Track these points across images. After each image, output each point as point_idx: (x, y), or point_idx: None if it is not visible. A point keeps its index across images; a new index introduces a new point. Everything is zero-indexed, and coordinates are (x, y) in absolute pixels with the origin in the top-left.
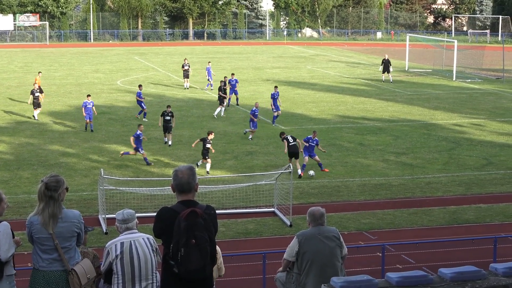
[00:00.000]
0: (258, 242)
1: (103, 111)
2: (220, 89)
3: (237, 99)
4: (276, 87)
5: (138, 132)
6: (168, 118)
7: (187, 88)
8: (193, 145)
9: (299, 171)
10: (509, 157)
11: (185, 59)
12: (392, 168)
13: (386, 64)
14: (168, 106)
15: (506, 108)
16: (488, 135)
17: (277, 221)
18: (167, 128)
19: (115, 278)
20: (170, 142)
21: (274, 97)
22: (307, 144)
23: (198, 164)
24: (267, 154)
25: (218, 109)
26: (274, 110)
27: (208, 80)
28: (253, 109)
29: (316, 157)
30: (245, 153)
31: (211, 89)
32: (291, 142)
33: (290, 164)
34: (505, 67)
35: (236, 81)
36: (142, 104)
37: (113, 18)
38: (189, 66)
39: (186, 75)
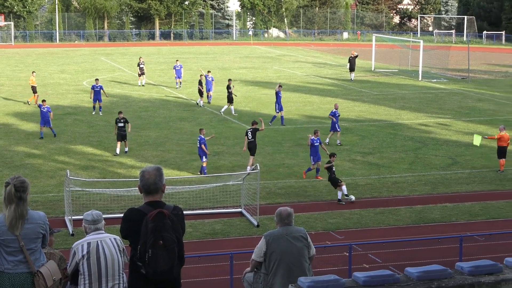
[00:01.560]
0: (225, 243)
1: (69, 112)
2: (228, 87)
3: (210, 96)
4: (280, 86)
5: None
6: (121, 125)
7: (143, 86)
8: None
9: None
10: (474, 156)
11: (140, 57)
12: (358, 168)
13: (352, 62)
14: (120, 112)
15: (471, 107)
16: (453, 135)
17: (244, 222)
18: (122, 135)
19: (81, 279)
20: (126, 149)
21: (279, 96)
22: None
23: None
24: (234, 154)
25: (225, 107)
26: (278, 111)
27: (176, 79)
28: (333, 110)
29: (320, 162)
30: (212, 154)
31: (178, 88)
32: (250, 139)
33: (257, 164)
34: (470, 67)
35: (212, 79)
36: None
37: (79, 19)
38: (144, 64)
39: (141, 73)
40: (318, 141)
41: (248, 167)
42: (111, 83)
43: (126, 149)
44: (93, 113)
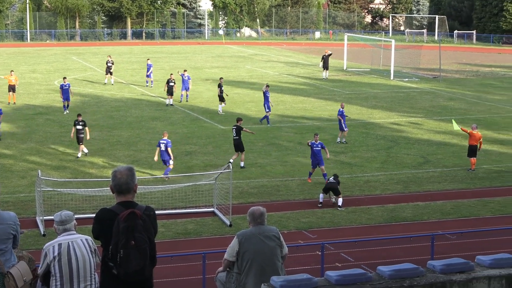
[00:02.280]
0: (198, 242)
1: (40, 111)
2: (219, 86)
3: (187, 95)
4: (268, 86)
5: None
6: (79, 127)
7: (112, 84)
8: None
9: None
10: (446, 155)
11: (109, 56)
12: (331, 167)
13: (325, 60)
14: (79, 115)
15: (443, 106)
16: (425, 134)
17: (216, 221)
18: (79, 138)
19: (53, 280)
20: (86, 150)
21: (267, 96)
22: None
23: None
24: (207, 154)
25: (221, 106)
26: (267, 110)
27: (149, 77)
28: (340, 110)
29: (323, 167)
30: (184, 153)
31: (151, 87)
32: (234, 136)
33: (230, 164)
34: (441, 66)
35: (189, 78)
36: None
37: (50, 18)
38: (112, 63)
39: (108, 71)
40: (319, 145)
41: (241, 163)
42: (83, 83)
43: (86, 150)
44: (65, 112)
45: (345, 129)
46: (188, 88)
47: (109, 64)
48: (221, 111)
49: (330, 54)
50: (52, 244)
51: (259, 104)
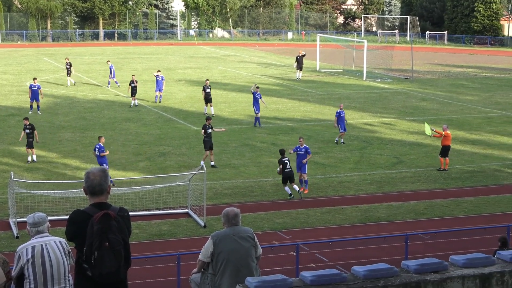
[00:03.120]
0: (172, 244)
1: (12, 113)
2: (204, 88)
3: (160, 96)
4: (257, 87)
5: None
6: (28, 131)
7: (74, 85)
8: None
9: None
10: (419, 155)
11: (66, 58)
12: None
13: (299, 61)
14: (26, 119)
15: (415, 107)
16: (398, 134)
17: (191, 222)
18: (29, 143)
19: (26, 283)
20: (34, 158)
21: (256, 97)
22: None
23: None
24: (180, 155)
25: (206, 108)
26: (256, 112)
27: (110, 78)
28: (337, 111)
29: (305, 174)
30: (158, 154)
31: (117, 86)
32: (205, 136)
33: (203, 165)
34: (413, 67)
35: (163, 78)
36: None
37: (22, 19)
38: (70, 65)
39: (68, 73)
40: (303, 149)
41: (212, 162)
42: (55, 84)
43: (34, 158)
44: (30, 112)
45: (341, 130)
46: (162, 89)
47: (67, 66)
48: (213, 114)
49: (304, 55)
50: (25, 246)
51: (232, 105)
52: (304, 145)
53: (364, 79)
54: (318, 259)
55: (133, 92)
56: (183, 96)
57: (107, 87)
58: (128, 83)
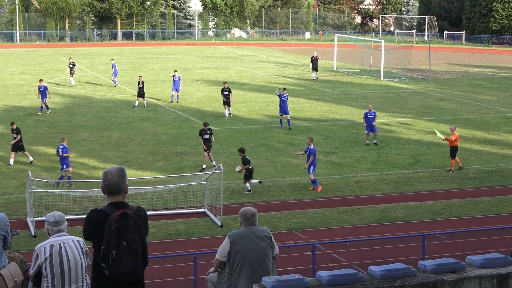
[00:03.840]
0: (189, 243)
1: (30, 112)
2: (222, 91)
3: (177, 96)
4: (284, 89)
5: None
6: (15, 135)
7: (74, 86)
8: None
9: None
10: (436, 155)
11: (70, 57)
12: (321, 167)
13: (314, 62)
14: (12, 123)
15: (433, 107)
16: (415, 134)
17: (207, 222)
18: (17, 146)
19: (44, 281)
20: (31, 158)
21: (282, 99)
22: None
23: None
24: (197, 154)
25: (227, 111)
26: (281, 114)
27: (113, 77)
28: (365, 112)
29: (311, 174)
30: (175, 154)
31: (115, 86)
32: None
33: (220, 164)
34: (431, 67)
35: (180, 78)
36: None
37: (40, 19)
38: (74, 65)
39: (71, 73)
40: (307, 150)
41: (213, 162)
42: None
43: (31, 158)
44: (39, 113)
45: (367, 132)
46: (179, 89)
47: (70, 66)
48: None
49: (318, 58)
50: (43, 245)
51: (249, 105)
52: (313, 145)
53: (382, 79)
54: (335, 259)
55: (140, 94)
56: (200, 96)
57: (115, 86)
58: (137, 83)
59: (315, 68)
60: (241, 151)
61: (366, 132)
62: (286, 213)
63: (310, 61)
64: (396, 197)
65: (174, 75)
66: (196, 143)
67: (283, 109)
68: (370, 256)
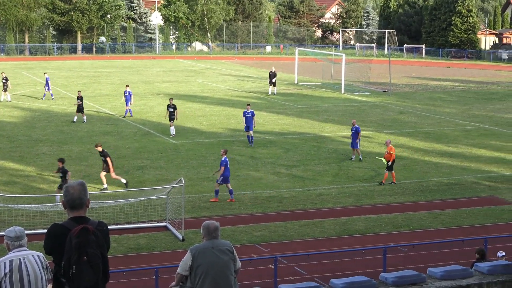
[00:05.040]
0: (151, 257)
1: None
2: (168, 107)
3: (130, 111)
4: (248, 105)
5: None
6: None
7: (9, 101)
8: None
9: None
10: (396, 168)
11: (2, 72)
12: (283, 180)
13: (272, 77)
14: None
15: (393, 120)
16: (376, 147)
17: (169, 236)
18: None
19: None
20: None
21: (246, 116)
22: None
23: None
24: (158, 168)
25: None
26: (245, 130)
27: (46, 90)
28: (352, 127)
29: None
30: (136, 168)
31: (52, 99)
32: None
33: (182, 178)
34: (391, 80)
35: (130, 93)
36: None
37: None
38: (6, 79)
39: (4, 88)
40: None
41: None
42: (32, 98)
43: None
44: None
45: (353, 146)
46: (129, 104)
47: (3, 81)
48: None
49: (275, 72)
50: (3, 260)
51: (211, 118)
52: (224, 157)
53: (342, 92)
54: (297, 272)
55: (79, 109)
56: (161, 110)
57: (42, 98)
58: (77, 98)
59: (272, 83)
60: (61, 161)
61: (351, 146)
62: (247, 226)
63: (268, 75)
64: (357, 210)
65: (125, 90)
66: (157, 157)
67: (247, 126)
68: (332, 269)
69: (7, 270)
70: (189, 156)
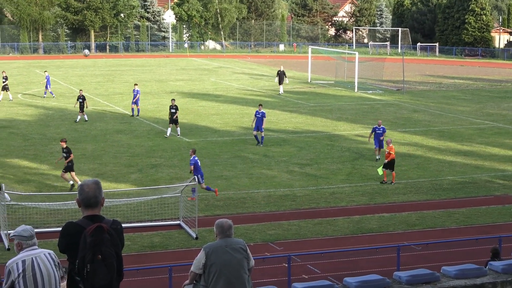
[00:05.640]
0: (164, 255)
1: (3, 125)
2: (170, 108)
3: (138, 110)
4: (260, 105)
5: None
6: None
7: (11, 100)
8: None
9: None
10: (410, 167)
11: (3, 71)
12: (296, 179)
13: (281, 76)
14: None
15: (407, 118)
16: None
17: (182, 234)
18: None
19: None
20: None
21: (256, 116)
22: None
23: None
24: (172, 166)
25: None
26: (254, 130)
27: (46, 88)
28: (374, 127)
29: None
30: (150, 166)
31: (53, 97)
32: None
33: (195, 176)
34: (405, 79)
35: (138, 92)
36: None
37: (13, 31)
38: (6, 79)
39: (4, 88)
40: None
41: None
42: (46, 97)
43: None
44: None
45: (377, 146)
46: (138, 102)
47: (3, 80)
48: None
49: (283, 71)
50: (15, 261)
51: (224, 117)
52: (193, 156)
53: (356, 90)
54: (310, 271)
55: (81, 107)
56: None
57: (43, 96)
58: (76, 98)
59: (281, 82)
60: (63, 140)
61: (375, 146)
62: (261, 225)
63: (276, 74)
64: (371, 209)
65: (134, 89)
66: (171, 155)
67: (257, 126)
68: (345, 267)
69: (20, 270)
70: (202, 154)
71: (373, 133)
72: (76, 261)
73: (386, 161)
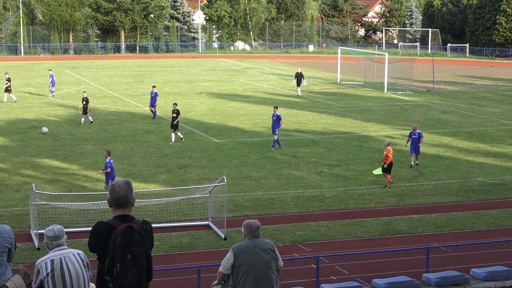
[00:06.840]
0: (193, 256)
1: (34, 125)
2: (173, 112)
3: (155, 112)
4: (276, 107)
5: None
6: None
7: (16, 101)
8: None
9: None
10: (440, 168)
11: (6, 73)
12: (325, 180)
13: (299, 78)
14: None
15: (436, 119)
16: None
17: (211, 234)
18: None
19: None
20: None
21: (273, 119)
22: None
23: None
24: (201, 167)
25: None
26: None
27: (50, 86)
28: (410, 132)
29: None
30: (179, 167)
31: (52, 96)
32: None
33: (224, 177)
34: (435, 79)
35: (156, 94)
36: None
37: (44, 32)
38: (9, 80)
39: (7, 90)
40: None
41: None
42: (76, 96)
43: None
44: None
45: (412, 151)
46: (154, 105)
47: (6, 82)
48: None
49: (301, 73)
50: (44, 260)
51: (253, 118)
52: (108, 159)
53: (385, 91)
54: (339, 272)
55: (84, 110)
56: (204, 109)
57: (51, 96)
58: (81, 100)
59: (298, 84)
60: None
61: (411, 152)
62: (289, 225)
63: (294, 76)
64: (400, 210)
65: (152, 91)
66: (200, 156)
67: (273, 129)
68: (374, 269)
69: (49, 270)
70: (231, 155)
71: (410, 138)
72: (106, 261)
73: (385, 165)
